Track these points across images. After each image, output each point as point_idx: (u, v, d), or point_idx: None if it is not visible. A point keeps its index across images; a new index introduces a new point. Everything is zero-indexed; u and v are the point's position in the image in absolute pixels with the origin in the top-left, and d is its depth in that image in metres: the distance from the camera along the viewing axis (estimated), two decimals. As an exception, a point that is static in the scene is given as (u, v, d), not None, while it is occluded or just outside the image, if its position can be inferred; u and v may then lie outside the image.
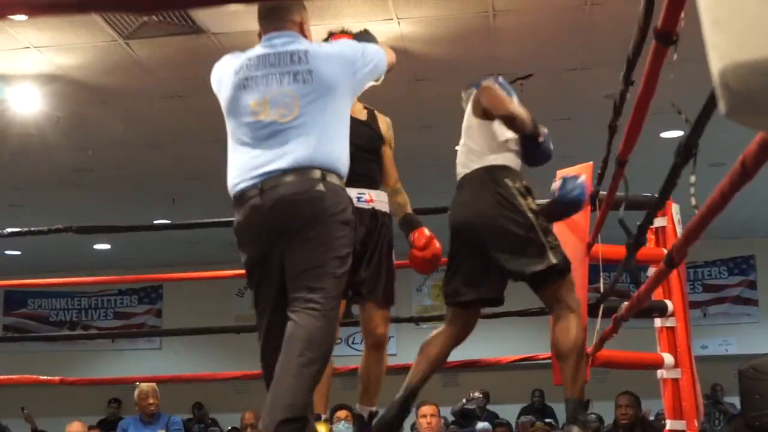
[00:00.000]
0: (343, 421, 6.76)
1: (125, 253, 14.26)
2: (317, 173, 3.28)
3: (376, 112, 4.35)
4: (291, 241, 3.26)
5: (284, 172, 3.26)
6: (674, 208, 5.00)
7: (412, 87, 7.63)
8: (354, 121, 3.70)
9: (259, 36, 3.58)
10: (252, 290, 3.47)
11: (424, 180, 10.47)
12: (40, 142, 8.91)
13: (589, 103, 8.06)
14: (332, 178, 3.32)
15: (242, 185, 3.33)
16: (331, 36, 4.26)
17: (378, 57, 3.63)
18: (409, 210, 4.33)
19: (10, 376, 6.13)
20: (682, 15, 1.89)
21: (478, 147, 4.19)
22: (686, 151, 1.76)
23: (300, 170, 3.26)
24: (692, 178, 1.76)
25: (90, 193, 11.05)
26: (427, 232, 4.21)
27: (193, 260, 13.56)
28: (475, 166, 4.17)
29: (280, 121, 3.31)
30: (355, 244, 3.59)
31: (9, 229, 6.27)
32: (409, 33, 6.79)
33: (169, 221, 10.55)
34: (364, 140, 4.10)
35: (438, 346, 4.23)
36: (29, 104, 7.94)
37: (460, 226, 4.11)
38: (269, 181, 3.27)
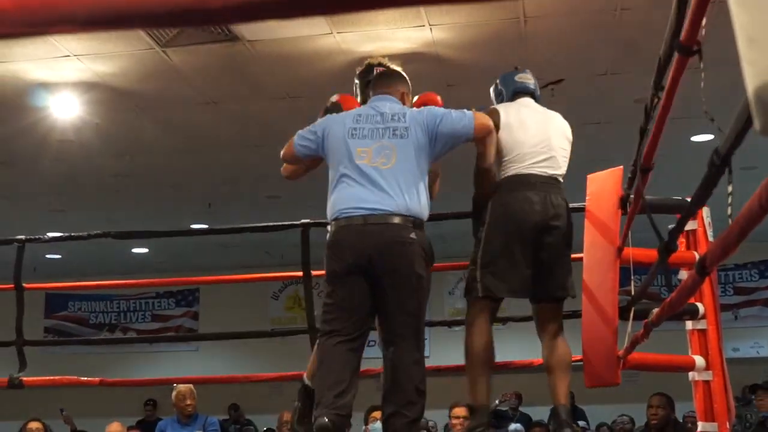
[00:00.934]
0: (378, 421, 6.78)
1: (163, 257, 14.34)
2: (410, 221, 3.97)
3: None
4: (385, 276, 3.94)
5: (386, 214, 3.94)
6: (704, 212, 4.96)
7: (444, 93, 7.61)
8: None
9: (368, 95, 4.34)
10: (333, 293, 4.04)
11: (454, 184, 10.46)
12: (79, 148, 8.98)
13: (619, 107, 8.03)
14: (419, 224, 4.02)
15: (347, 212, 3.98)
16: (370, 68, 4.60)
17: (457, 124, 4.15)
18: None
19: (51, 377, 6.17)
20: (703, 23, 1.87)
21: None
22: (721, 163, 1.74)
23: (398, 216, 3.94)
24: (729, 188, 1.75)
25: (128, 197, 11.12)
26: None
27: (229, 264, 13.63)
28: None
29: (381, 168, 4.00)
30: None
31: (50, 234, 6.33)
32: (440, 39, 6.79)
33: (205, 225, 10.62)
34: None
35: (492, 351, 4.48)
36: (69, 111, 8.01)
37: (547, 227, 4.33)
38: (372, 217, 3.94)
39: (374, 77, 4.42)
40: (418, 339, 4.03)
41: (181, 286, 15.39)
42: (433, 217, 7.54)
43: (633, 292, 4.61)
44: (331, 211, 4.08)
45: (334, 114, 4.27)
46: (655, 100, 2.63)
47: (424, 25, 6.55)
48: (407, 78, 4.44)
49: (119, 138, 8.85)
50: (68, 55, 6.92)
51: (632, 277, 4.58)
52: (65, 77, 7.35)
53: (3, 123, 8.29)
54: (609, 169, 4.81)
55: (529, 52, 7.06)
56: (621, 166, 4.81)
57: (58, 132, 8.47)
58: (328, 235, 4.12)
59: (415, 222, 3.99)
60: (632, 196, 4.31)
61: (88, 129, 8.45)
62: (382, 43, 6.77)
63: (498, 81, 4.76)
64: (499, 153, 4.39)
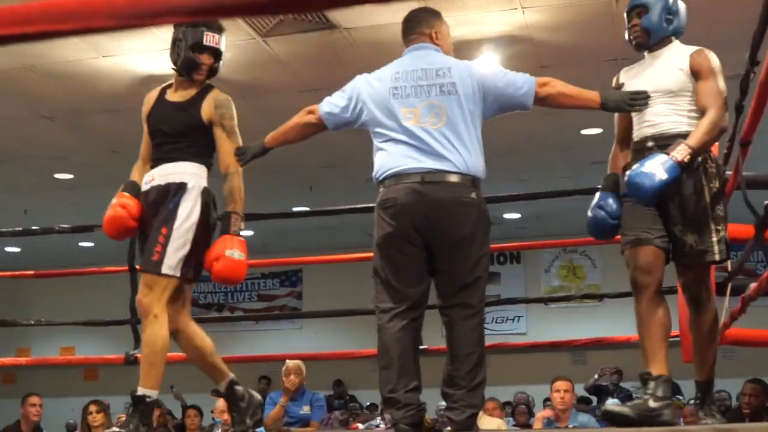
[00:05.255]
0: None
1: (267, 239, 14.53)
2: (470, 179, 3.59)
3: (212, 92, 4.21)
4: (443, 238, 3.58)
5: (444, 172, 3.56)
6: (803, 186, 4.82)
7: (537, 74, 7.53)
8: (166, 105, 4.11)
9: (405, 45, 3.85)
10: (386, 258, 3.66)
11: (547, 164, 10.37)
12: (186, 137, 9.13)
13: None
14: (478, 184, 3.65)
15: (399, 169, 3.60)
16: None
17: (510, 86, 3.73)
18: (231, 207, 4.09)
19: (163, 355, 6.28)
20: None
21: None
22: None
23: (457, 174, 3.56)
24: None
25: (233, 183, 11.26)
26: (225, 249, 3.98)
27: (330, 245, 13.74)
28: None
29: (431, 129, 3.59)
30: (140, 225, 4.06)
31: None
32: (533, 21, 6.72)
33: (307, 208, 10.73)
34: (167, 124, 4.10)
35: None
36: (176, 101, 8.15)
37: None
38: (430, 175, 3.56)
39: (402, 25, 3.91)
40: (478, 303, 3.65)
41: (285, 266, 15.57)
42: (526, 197, 7.46)
43: (730, 269, 4.52)
44: (381, 172, 3.69)
45: (366, 75, 3.83)
46: (751, 75, 2.57)
47: (516, 8, 6.49)
48: (434, 10, 3.94)
49: (224, 125, 8.98)
50: (174, 47, 7.03)
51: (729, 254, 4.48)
52: (170, 69, 7.47)
53: (114, 114, 8.49)
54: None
55: (621, 33, 6.91)
56: (716, 143, 4.71)
57: (166, 121, 8.63)
58: (378, 197, 3.71)
59: (474, 181, 3.63)
60: (728, 172, 4.23)
61: (194, 117, 8.59)
62: (474, 27, 6.73)
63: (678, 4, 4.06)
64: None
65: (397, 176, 3.61)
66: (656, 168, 3.55)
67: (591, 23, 6.75)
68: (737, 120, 3.71)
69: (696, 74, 3.80)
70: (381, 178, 3.69)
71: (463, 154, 3.59)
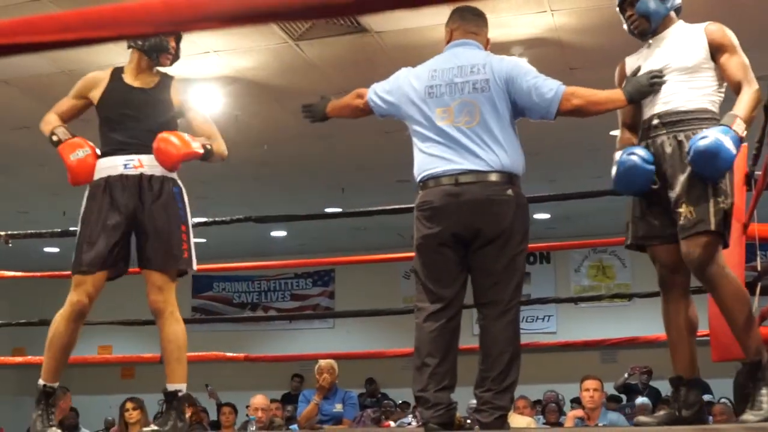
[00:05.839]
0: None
1: (300, 239, 14.56)
2: (506, 176, 3.57)
3: (174, 79, 4.15)
4: (479, 236, 3.57)
5: (479, 171, 3.52)
6: (832, 187, 4.77)
7: (566, 76, 7.52)
8: (129, 90, 3.96)
9: (449, 35, 3.83)
10: (424, 259, 3.67)
11: (576, 164, 10.33)
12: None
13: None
14: (515, 180, 3.62)
15: (435, 172, 3.61)
16: None
17: (535, 92, 3.62)
18: (209, 145, 4.19)
19: (198, 353, 6.32)
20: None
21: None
22: None
23: (493, 172, 3.55)
24: None
25: (267, 184, 11.32)
26: (173, 136, 3.92)
27: (362, 245, 13.75)
28: None
29: (465, 128, 3.58)
30: (123, 211, 3.88)
31: (196, 219, 6.46)
32: (562, 24, 6.70)
33: (339, 209, 10.75)
34: (137, 108, 3.99)
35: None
36: (211, 104, 8.18)
37: None
38: (464, 176, 3.55)
39: (456, 14, 3.86)
40: (510, 300, 3.60)
41: (318, 266, 15.59)
42: (556, 197, 7.44)
43: (759, 268, 4.49)
44: (418, 174, 3.69)
45: (409, 70, 3.83)
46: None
47: (545, 11, 6.47)
48: None
49: (257, 129, 9.01)
50: (208, 52, 7.07)
51: (758, 253, 4.45)
52: (206, 72, 7.52)
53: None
54: (733, 147, 4.65)
55: (650, 34, 6.90)
56: (745, 144, 4.68)
57: (201, 124, 8.66)
58: (416, 199, 3.72)
59: (511, 177, 3.59)
60: (758, 172, 4.19)
61: (228, 121, 8.62)
62: (504, 30, 6.71)
63: None
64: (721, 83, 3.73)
65: (433, 179, 3.62)
66: (723, 138, 3.35)
67: (619, 25, 6.66)
68: (766, 121, 3.68)
69: (718, 48, 3.67)
70: (418, 180, 3.70)
71: (497, 152, 3.56)
